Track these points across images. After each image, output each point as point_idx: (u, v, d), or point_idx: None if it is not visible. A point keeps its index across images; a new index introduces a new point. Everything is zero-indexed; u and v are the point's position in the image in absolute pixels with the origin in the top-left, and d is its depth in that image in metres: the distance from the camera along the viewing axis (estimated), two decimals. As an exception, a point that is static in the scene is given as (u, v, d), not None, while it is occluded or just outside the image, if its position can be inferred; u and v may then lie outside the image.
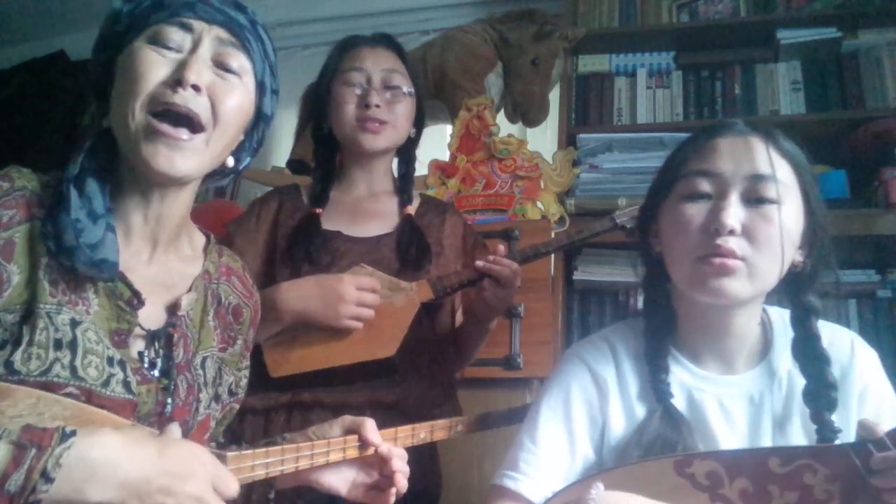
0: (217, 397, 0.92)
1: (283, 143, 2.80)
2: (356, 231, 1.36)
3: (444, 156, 2.31)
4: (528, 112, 2.35)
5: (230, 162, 0.90)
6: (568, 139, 2.30)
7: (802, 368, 0.91)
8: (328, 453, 0.89)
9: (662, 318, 0.98)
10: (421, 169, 2.38)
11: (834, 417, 0.89)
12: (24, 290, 0.75)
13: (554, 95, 2.39)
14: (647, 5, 2.46)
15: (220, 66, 0.84)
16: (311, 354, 1.24)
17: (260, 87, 0.90)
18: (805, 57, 2.29)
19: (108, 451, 0.66)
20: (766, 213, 0.87)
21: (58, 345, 0.73)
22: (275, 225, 1.38)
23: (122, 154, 0.84)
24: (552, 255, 1.99)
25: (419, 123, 1.46)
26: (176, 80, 0.80)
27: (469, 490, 1.60)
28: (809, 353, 0.92)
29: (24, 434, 0.63)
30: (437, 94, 2.44)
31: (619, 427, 0.94)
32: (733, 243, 0.86)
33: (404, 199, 1.43)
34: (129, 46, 0.82)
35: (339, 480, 0.93)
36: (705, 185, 0.90)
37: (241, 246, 1.32)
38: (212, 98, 0.82)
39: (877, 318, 2.00)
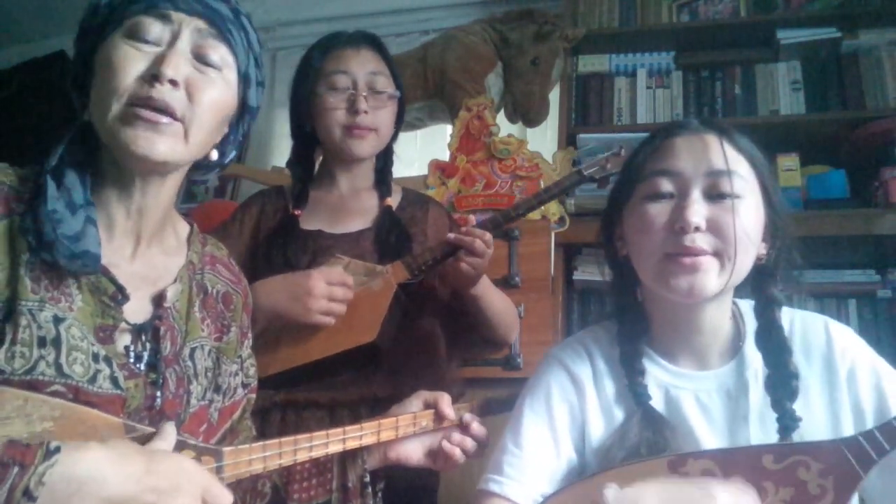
0: (218, 388, 0.90)
1: (282, 143, 2.80)
2: (337, 228, 1.35)
3: (444, 156, 2.31)
4: (528, 112, 2.35)
5: (214, 155, 0.89)
6: (568, 139, 2.30)
7: (765, 358, 0.92)
8: (344, 441, 0.91)
9: (634, 321, 0.99)
10: (421, 169, 2.40)
11: (822, 404, 0.90)
12: (6, 288, 0.73)
13: (554, 95, 2.39)
14: (647, 5, 2.47)
15: (200, 58, 0.82)
16: (296, 350, 1.23)
17: (244, 79, 0.88)
18: (805, 57, 2.29)
19: (94, 468, 0.64)
20: (728, 207, 0.88)
21: (41, 342, 0.72)
22: (257, 230, 1.37)
23: (102, 146, 0.83)
24: (552, 256, 2.00)
25: (399, 121, 1.45)
26: (153, 76, 0.78)
27: (472, 484, 1.59)
28: (771, 343, 0.92)
29: (7, 451, 0.61)
30: (437, 94, 2.44)
31: (597, 428, 0.95)
32: (700, 240, 0.87)
33: (383, 192, 1.42)
34: (108, 40, 0.81)
35: (423, 453, 1.00)
36: (666, 185, 0.91)
37: None
38: (189, 92, 0.81)
39: (877, 318, 2.00)
